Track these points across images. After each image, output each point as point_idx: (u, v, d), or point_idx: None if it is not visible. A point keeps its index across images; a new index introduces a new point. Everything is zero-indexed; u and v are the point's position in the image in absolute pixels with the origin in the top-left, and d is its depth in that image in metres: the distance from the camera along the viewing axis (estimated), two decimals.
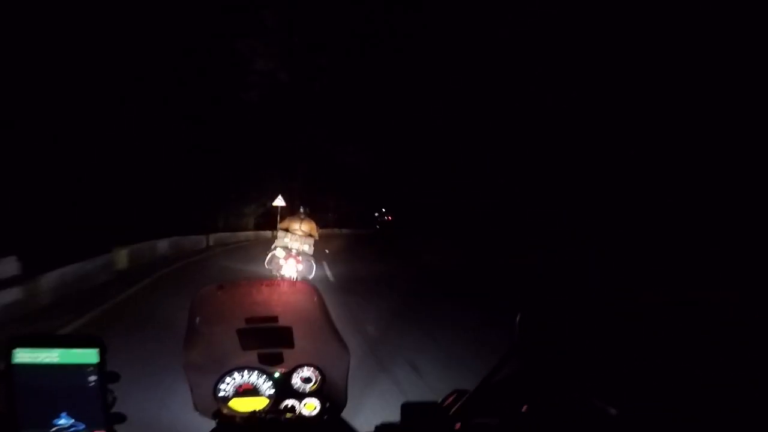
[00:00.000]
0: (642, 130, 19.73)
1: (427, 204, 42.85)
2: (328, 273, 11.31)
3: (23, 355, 0.81)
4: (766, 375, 0.66)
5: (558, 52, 22.88)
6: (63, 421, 0.81)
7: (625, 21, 19.76)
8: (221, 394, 1.31)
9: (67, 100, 14.57)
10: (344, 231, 39.34)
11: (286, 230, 8.15)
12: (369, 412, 3.25)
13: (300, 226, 8.16)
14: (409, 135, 38.55)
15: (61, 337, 0.84)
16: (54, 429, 0.81)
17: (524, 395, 0.85)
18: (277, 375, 1.34)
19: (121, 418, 0.85)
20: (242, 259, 14.40)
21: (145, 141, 18.17)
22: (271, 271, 8.05)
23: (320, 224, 8.81)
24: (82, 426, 0.81)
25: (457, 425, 0.92)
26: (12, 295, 6.34)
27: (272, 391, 1.33)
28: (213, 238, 19.64)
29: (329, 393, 1.35)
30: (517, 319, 0.86)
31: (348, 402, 1.35)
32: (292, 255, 7.88)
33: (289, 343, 1.32)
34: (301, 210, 8.47)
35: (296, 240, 8.05)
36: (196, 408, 1.29)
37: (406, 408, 0.97)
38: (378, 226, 57.38)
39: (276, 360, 1.33)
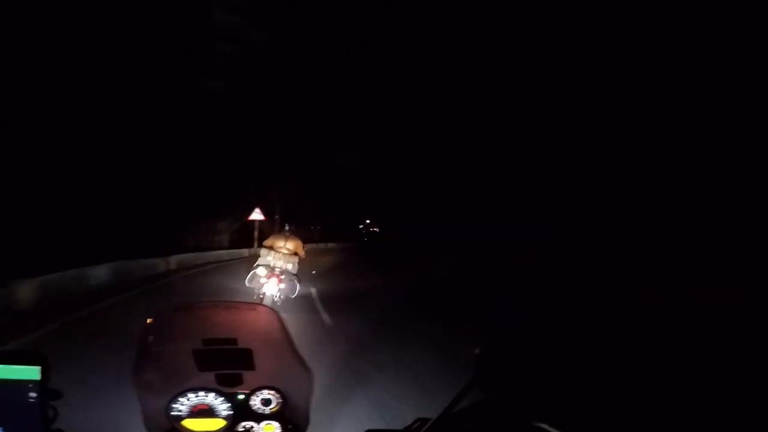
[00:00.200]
0: (642, 130, 19.72)
1: (425, 205, 42.66)
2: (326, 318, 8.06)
3: None
4: (766, 375, 0.66)
5: (558, 52, 22.87)
6: None
7: (625, 21, 19.74)
8: (174, 413, 1.29)
9: (67, 100, 14.57)
10: (330, 246, 34.90)
11: (270, 248, 8.00)
12: None
13: (285, 244, 8.03)
14: (408, 135, 38.56)
15: (2, 353, 0.84)
16: None
17: (483, 425, 0.86)
18: (235, 396, 1.32)
19: None
20: (207, 287, 11.64)
21: (140, 145, 18.15)
22: (252, 289, 7.89)
23: (304, 239, 8.54)
24: None
25: None
26: None
27: (230, 413, 1.31)
28: (176, 259, 16.18)
29: (291, 416, 1.34)
30: (476, 351, 0.88)
31: (313, 425, 1.35)
32: (275, 274, 7.67)
33: (250, 366, 1.31)
34: (287, 227, 8.44)
35: (280, 258, 7.87)
36: (147, 428, 1.28)
37: None
38: (366, 239, 54.52)
39: (235, 381, 1.32)
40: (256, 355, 1.30)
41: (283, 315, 5.19)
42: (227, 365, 1.31)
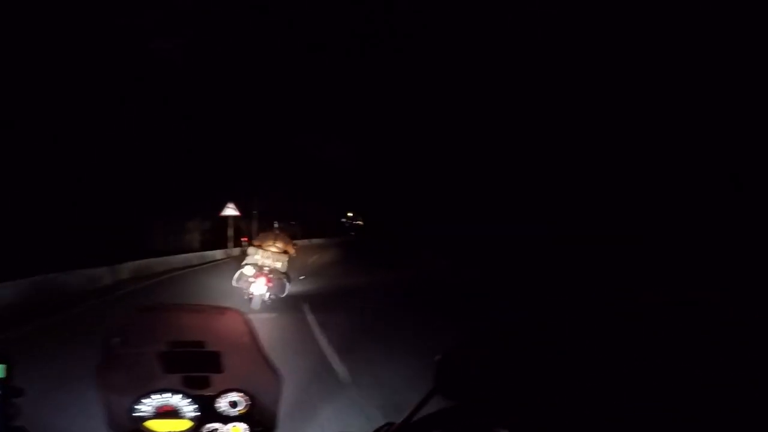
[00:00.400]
0: (642, 130, 19.72)
1: (424, 204, 42.53)
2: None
3: None
4: (766, 375, 0.66)
5: (558, 52, 22.87)
6: None
7: (625, 21, 19.74)
8: (138, 414, 1.29)
9: (67, 100, 14.58)
10: (315, 242, 32.34)
11: (259, 246, 7.89)
12: None
13: (274, 242, 7.93)
14: (406, 133, 38.56)
15: None
16: None
17: None
18: (201, 398, 1.33)
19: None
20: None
21: (144, 142, 18.15)
22: (240, 289, 7.77)
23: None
24: None
25: None
26: None
27: (196, 414, 1.31)
28: (131, 267, 12.91)
29: (260, 418, 1.34)
30: (436, 359, 0.89)
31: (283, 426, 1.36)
32: (263, 273, 7.55)
33: (217, 368, 1.30)
34: (276, 225, 8.34)
35: (268, 256, 7.75)
36: (109, 428, 1.28)
37: None
38: (353, 233, 51.23)
39: (202, 384, 1.32)
40: (224, 357, 1.30)
41: (270, 315, 5.19)
42: (194, 367, 1.31)
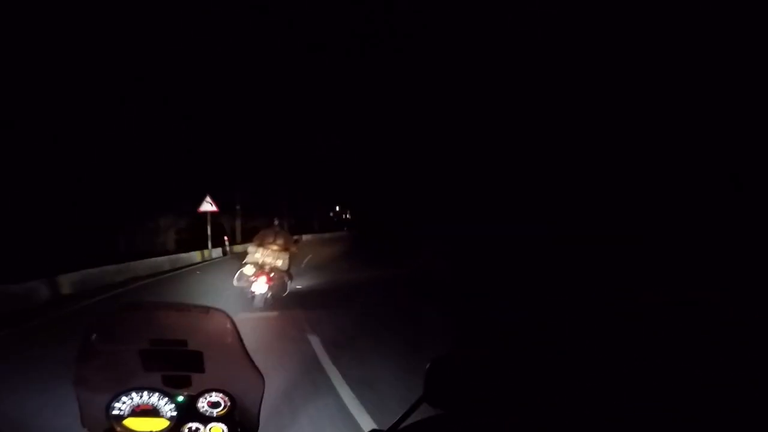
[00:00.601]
0: (642, 130, 19.72)
1: (426, 204, 42.41)
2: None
3: None
4: (766, 375, 0.66)
5: (558, 52, 22.87)
6: None
7: (625, 21, 19.74)
8: (115, 412, 1.27)
9: (67, 101, 14.58)
10: (306, 238, 28.88)
11: (260, 245, 7.77)
12: None
13: (274, 240, 7.81)
14: (407, 135, 38.54)
15: None
16: None
17: None
18: (181, 398, 1.31)
19: None
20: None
21: (144, 141, 18.13)
22: (241, 288, 7.68)
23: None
24: None
25: None
26: None
27: (174, 414, 1.30)
28: (76, 279, 10.14)
29: (241, 420, 1.34)
30: (427, 367, 0.88)
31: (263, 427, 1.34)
32: (264, 272, 7.45)
33: (199, 368, 1.29)
34: (276, 223, 8.21)
35: (269, 255, 7.62)
36: (84, 425, 1.27)
37: None
38: (346, 228, 48.85)
39: (182, 383, 1.31)
40: (206, 357, 1.29)
41: (271, 313, 5.08)
42: (175, 366, 1.29)
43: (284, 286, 7.91)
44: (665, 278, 9.55)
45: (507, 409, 0.80)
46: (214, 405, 1.32)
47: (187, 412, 1.31)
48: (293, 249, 8.09)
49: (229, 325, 1.29)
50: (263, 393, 1.33)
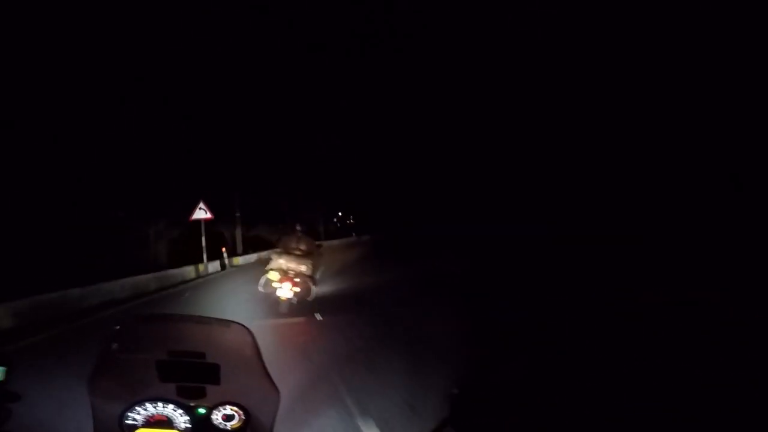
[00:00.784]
0: (642, 130, 19.72)
1: (426, 204, 42.32)
2: None
3: None
4: (766, 375, 0.66)
5: (558, 52, 22.88)
6: None
7: (625, 21, 19.75)
8: (129, 422, 1.27)
9: (67, 101, 14.58)
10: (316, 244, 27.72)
11: (283, 250, 7.83)
12: None
13: (297, 245, 7.87)
14: (408, 135, 38.51)
15: None
16: None
17: None
18: (196, 410, 1.31)
19: None
20: None
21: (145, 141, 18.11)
22: (266, 294, 7.71)
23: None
24: None
25: None
26: None
27: (188, 426, 1.30)
28: (26, 307, 8.08)
29: None
30: (452, 391, 0.89)
31: None
32: (288, 277, 7.47)
33: (215, 380, 1.29)
34: (298, 228, 8.27)
35: (293, 260, 7.64)
36: None
37: None
38: (354, 233, 44.77)
39: (197, 394, 1.30)
40: (223, 370, 1.29)
41: (297, 319, 4.90)
42: (191, 378, 1.29)
43: (309, 290, 7.84)
44: (665, 278, 9.54)
45: (515, 402, 0.81)
46: (229, 418, 1.32)
47: (202, 424, 1.31)
48: (317, 254, 8.11)
49: (249, 340, 1.29)
50: (278, 408, 1.33)
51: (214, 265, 16.96)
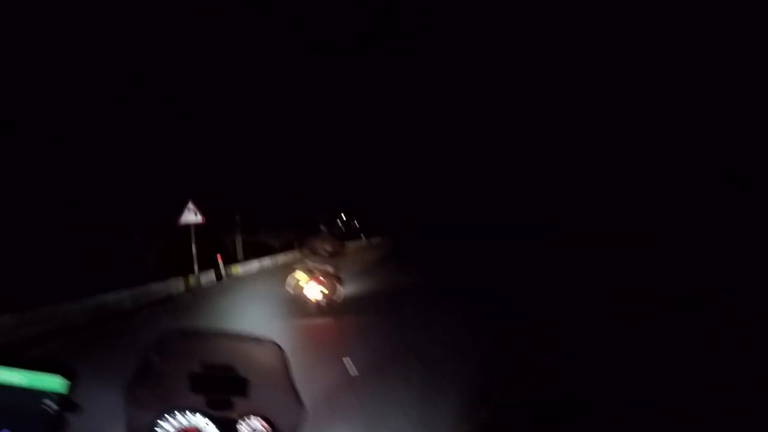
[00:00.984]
0: (642, 129, 19.73)
1: (427, 204, 42.29)
2: None
3: None
4: (766, 375, 0.66)
5: (558, 52, 22.89)
6: None
7: (625, 21, 19.76)
8: (160, 430, 1.32)
9: (67, 100, 14.58)
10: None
11: (309, 251, 7.99)
12: None
13: (323, 245, 7.99)
14: (408, 135, 38.48)
15: (31, 360, 0.85)
16: None
17: None
18: (223, 421, 1.36)
19: None
20: None
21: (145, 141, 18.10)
22: (295, 295, 7.79)
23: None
24: None
25: None
26: None
27: None
28: None
29: None
30: (486, 415, 0.90)
31: None
32: (315, 277, 7.58)
33: (243, 393, 1.35)
34: (323, 228, 8.41)
35: (319, 260, 7.80)
36: None
37: None
38: (364, 238, 41.22)
39: (224, 405, 1.36)
40: (251, 384, 1.35)
41: (325, 320, 4.93)
42: (220, 390, 1.36)
43: (336, 290, 7.89)
44: (665, 278, 9.54)
45: (515, 402, 0.81)
46: (255, 429, 1.37)
47: None
48: (342, 254, 8.24)
49: (279, 356, 1.37)
50: (303, 422, 1.38)
51: (209, 276, 15.26)
